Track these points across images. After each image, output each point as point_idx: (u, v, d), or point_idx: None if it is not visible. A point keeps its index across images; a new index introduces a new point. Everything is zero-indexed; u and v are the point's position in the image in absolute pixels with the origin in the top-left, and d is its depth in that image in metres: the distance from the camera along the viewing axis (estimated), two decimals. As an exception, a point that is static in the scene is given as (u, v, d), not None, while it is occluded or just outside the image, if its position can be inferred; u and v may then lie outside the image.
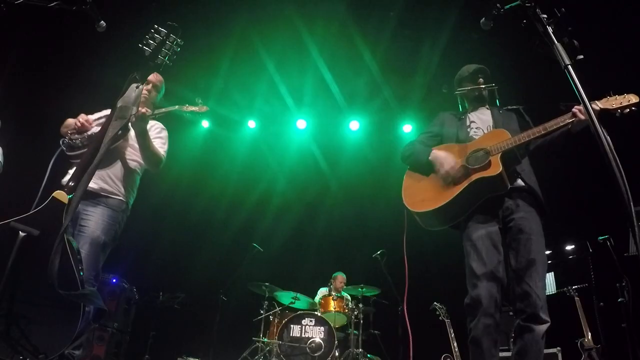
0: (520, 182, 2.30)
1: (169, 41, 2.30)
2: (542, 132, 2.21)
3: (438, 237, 6.15)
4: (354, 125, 7.18)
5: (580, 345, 4.14)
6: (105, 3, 2.60)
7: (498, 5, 1.85)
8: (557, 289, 5.06)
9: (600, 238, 3.87)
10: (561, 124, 2.19)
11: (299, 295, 5.32)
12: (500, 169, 2.18)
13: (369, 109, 6.94)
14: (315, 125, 7.30)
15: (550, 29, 1.59)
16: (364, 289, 5.35)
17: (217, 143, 7.38)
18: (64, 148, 2.54)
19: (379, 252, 5.37)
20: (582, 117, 2.11)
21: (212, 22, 5.56)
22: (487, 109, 2.62)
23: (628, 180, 1.31)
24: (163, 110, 2.82)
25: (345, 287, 5.76)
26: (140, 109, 2.46)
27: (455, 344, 4.55)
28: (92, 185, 2.49)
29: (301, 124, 7.22)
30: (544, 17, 1.62)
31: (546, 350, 4.14)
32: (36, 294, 1.87)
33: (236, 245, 6.64)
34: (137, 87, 2.28)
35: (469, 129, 2.54)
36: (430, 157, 2.44)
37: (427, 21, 5.25)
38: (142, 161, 2.79)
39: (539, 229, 2.22)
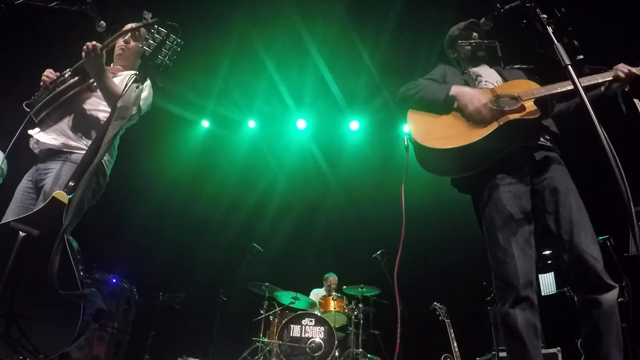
0: (548, 138, 2.03)
1: (169, 41, 2.29)
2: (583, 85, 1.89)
3: (438, 237, 6.17)
4: (354, 125, 7.18)
5: (580, 345, 4.13)
6: (105, 3, 2.59)
7: (498, 5, 1.84)
8: (557, 289, 5.07)
9: (600, 238, 3.85)
10: (599, 81, 1.93)
11: (299, 295, 5.31)
12: (539, 112, 1.91)
13: (369, 109, 6.95)
14: (315, 125, 7.30)
15: (550, 29, 1.59)
16: (364, 289, 5.34)
17: (217, 143, 7.39)
18: (28, 110, 2.41)
19: (379, 252, 5.37)
20: (625, 75, 1.90)
21: (212, 22, 5.56)
22: (489, 67, 2.36)
23: (628, 180, 1.31)
24: (112, 37, 2.48)
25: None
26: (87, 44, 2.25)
27: (455, 344, 4.55)
28: (52, 142, 2.34)
29: (301, 124, 7.22)
30: (544, 17, 1.62)
31: (546, 351, 4.15)
32: (36, 294, 1.87)
33: (236, 245, 6.64)
34: (137, 87, 2.28)
35: (477, 83, 2.23)
36: (452, 93, 2.06)
37: (427, 21, 5.25)
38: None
39: (576, 189, 1.91)
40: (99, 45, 2.28)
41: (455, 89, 2.07)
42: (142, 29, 2.58)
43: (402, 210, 2.15)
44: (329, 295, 5.53)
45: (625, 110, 1.91)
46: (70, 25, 4.41)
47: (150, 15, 2.32)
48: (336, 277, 6.06)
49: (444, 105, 2.08)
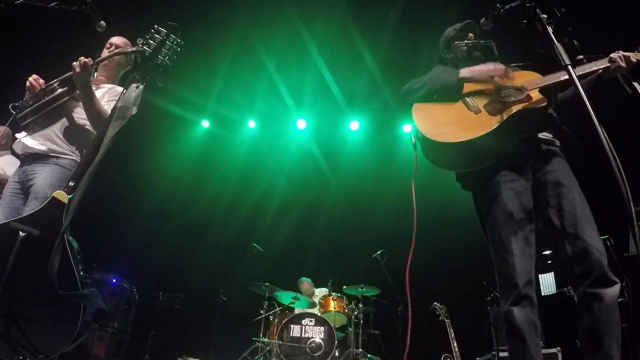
0: (551, 130, 2.04)
1: (169, 41, 2.30)
2: (579, 74, 1.82)
3: (438, 237, 6.17)
4: (354, 125, 7.18)
5: (579, 339, 4.12)
6: (105, 3, 2.59)
7: (498, 5, 1.84)
8: (557, 289, 5.07)
9: (600, 238, 3.85)
10: (599, 67, 1.95)
11: (299, 295, 5.32)
12: (546, 100, 1.91)
13: (369, 109, 6.94)
14: (315, 125, 7.30)
15: (550, 29, 1.59)
16: (364, 289, 5.34)
17: (217, 143, 7.39)
18: (13, 112, 2.49)
19: (379, 252, 5.36)
20: (622, 64, 1.91)
21: (212, 22, 5.56)
22: None
23: (628, 180, 1.31)
24: (105, 56, 2.60)
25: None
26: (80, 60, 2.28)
27: (455, 344, 4.54)
28: (39, 146, 2.43)
29: (301, 124, 7.22)
30: (544, 17, 1.62)
31: (546, 351, 4.15)
32: (36, 294, 1.87)
33: (236, 245, 6.64)
34: (137, 87, 2.28)
35: None
36: (462, 75, 2.04)
37: (428, 21, 5.25)
38: None
39: (578, 184, 1.91)
40: (90, 62, 2.33)
41: (465, 70, 2.07)
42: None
43: (414, 207, 2.12)
44: (330, 294, 5.52)
45: (630, 92, 1.91)
46: (71, 26, 4.42)
47: (143, 42, 2.36)
48: (308, 281, 6.00)
49: (456, 89, 2.06)
